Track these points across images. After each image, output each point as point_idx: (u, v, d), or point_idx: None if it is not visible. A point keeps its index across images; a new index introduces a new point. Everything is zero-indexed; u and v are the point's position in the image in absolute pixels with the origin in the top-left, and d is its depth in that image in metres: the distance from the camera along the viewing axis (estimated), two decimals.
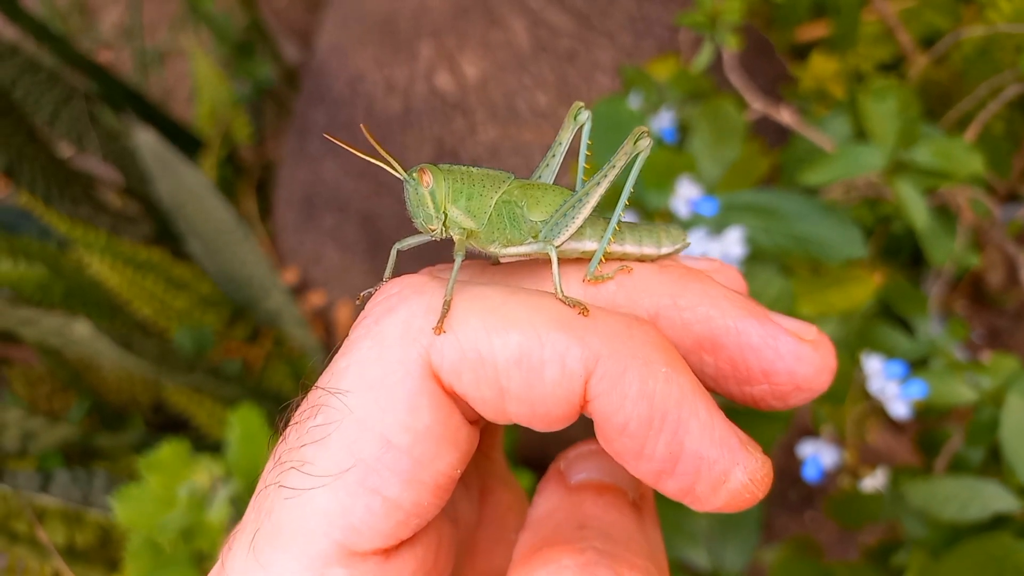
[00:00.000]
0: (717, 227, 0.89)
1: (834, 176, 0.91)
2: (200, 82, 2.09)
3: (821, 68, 1.56)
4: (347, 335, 0.34)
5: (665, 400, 0.31)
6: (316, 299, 1.87)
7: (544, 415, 0.32)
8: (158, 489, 0.84)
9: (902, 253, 1.54)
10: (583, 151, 0.44)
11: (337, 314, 1.85)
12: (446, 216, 0.38)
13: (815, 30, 1.80)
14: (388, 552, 0.32)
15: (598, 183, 0.40)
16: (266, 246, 2.01)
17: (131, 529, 0.88)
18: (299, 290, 1.89)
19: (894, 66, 1.67)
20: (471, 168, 0.40)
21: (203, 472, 0.87)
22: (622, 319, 0.33)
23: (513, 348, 0.31)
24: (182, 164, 1.39)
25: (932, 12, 1.59)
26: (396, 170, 0.38)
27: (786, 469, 1.62)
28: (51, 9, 2.50)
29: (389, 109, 1.70)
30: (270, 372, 1.64)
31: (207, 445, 1.39)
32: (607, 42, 1.62)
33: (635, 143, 0.40)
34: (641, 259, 0.41)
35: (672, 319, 0.36)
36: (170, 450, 0.87)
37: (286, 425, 0.33)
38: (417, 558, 0.33)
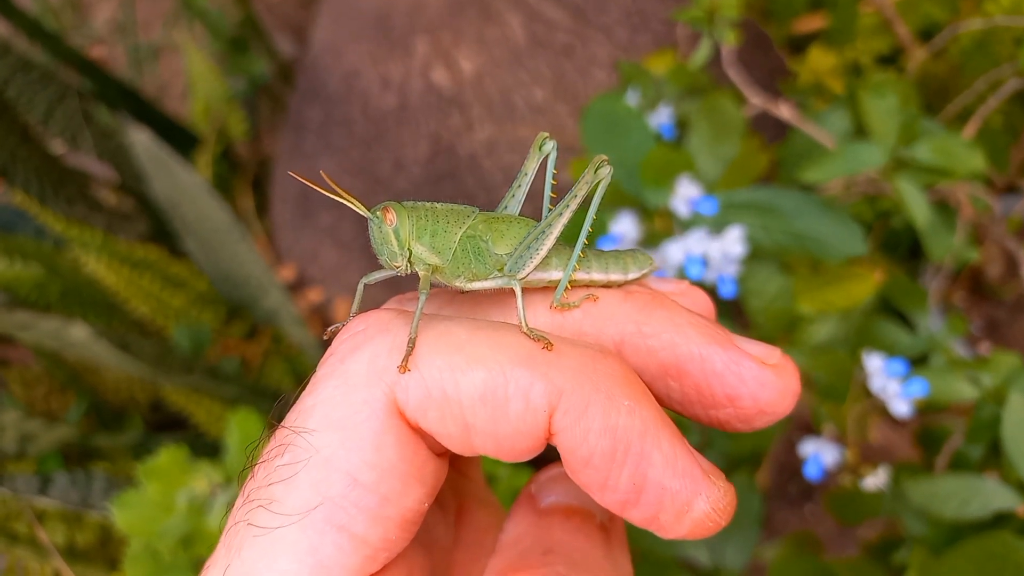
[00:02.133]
0: (717, 226, 0.88)
1: (834, 174, 0.90)
2: (194, 78, 2.08)
3: (819, 62, 1.55)
4: (313, 373, 0.35)
5: (628, 433, 0.32)
6: (314, 296, 1.87)
7: (510, 449, 0.33)
8: (157, 496, 0.84)
9: (900, 247, 1.54)
10: (548, 181, 0.45)
11: (335, 311, 1.84)
12: (411, 252, 0.39)
13: (812, 22, 1.80)
14: None
15: (560, 213, 0.40)
16: (263, 243, 2.01)
17: (130, 534, 0.88)
18: (296, 287, 1.88)
19: (892, 59, 1.67)
20: (435, 204, 0.40)
21: (202, 478, 0.86)
22: (586, 352, 0.33)
23: (478, 385, 0.32)
24: (177, 164, 1.38)
25: (930, 4, 1.59)
26: (359, 209, 0.38)
27: (786, 463, 1.63)
28: (43, 5, 2.49)
29: (385, 105, 1.70)
30: (268, 370, 1.64)
31: (206, 444, 1.38)
32: (603, 37, 1.61)
33: (595, 171, 0.40)
34: (608, 285, 0.41)
35: (637, 346, 0.37)
36: (168, 456, 0.87)
37: (254, 463, 0.34)
38: None
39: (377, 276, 0.41)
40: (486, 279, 0.40)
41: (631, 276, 0.42)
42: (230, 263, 1.47)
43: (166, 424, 1.55)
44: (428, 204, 0.40)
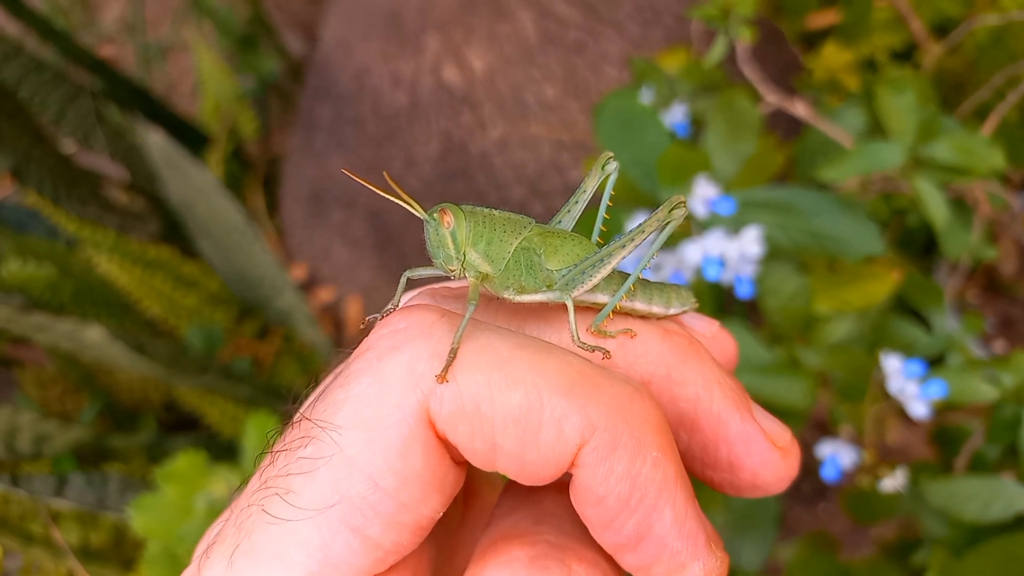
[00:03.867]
0: (734, 225, 0.88)
1: (852, 172, 0.90)
2: (204, 77, 2.08)
3: (833, 58, 1.54)
4: (346, 362, 0.34)
5: (647, 484, 0.32)
6: (325, 295, 1.87)
7: (532, 474, 0.32)
8: (175, 499, 0.84)
9: (914, 244, 1.53)
10: (604, 201, 0.44)
11: (346, 310, 1.84)
12: (465, 258, 0.38)
13: (826, 18, 1.78)
14: None
15: (623, 245, 0.39)
16: (274, 242, 2.01)
17: (148, 537, 0.88)
18: (307, 286, 1.88)
19: (906, 54, 1.66)
20: (493, 211, 0.40)
21: (220, 482, 0.86)
22: (624, 390, 0.33)
23: (513, 407, 0.31)
24: (191, 165, 1.38)
25: None
26: (416, 210, 0.37)
27: (801, 462, 1.62)
28: (52, 4, 2.49)
29: (396, 103, 1.69)
30: (280, 369, 1.64)
31: (219, 444, 1.39)
32: (615, 33, 1.60)
33: (669, 212, 0.40)
34: (646, 316, 0.41)
35: (662, 390, 0.37)
36: (186, 460, 0.87)
37: (274, 448, 0.34)
38: None
39: (422, 273, 0.40)
40: (535, 292, 0.39)
41: (671, 311, 0.41)
42: (244, 263, 1.47)
43: (180, 424, 1.55)
44: (486, 210, 0.39)
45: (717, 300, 0.92)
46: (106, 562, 1.24)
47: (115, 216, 1.62)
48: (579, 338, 0.36)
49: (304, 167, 1.92)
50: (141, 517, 0.86)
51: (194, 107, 2.39)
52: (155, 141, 1.37)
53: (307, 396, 0.42)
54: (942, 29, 1.60)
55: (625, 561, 0.34)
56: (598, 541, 0.34)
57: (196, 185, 1.40)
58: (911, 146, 0.90)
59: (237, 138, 2.09)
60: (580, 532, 0.35)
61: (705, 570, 0.33)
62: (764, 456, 0.37)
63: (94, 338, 1.03)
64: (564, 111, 1.60)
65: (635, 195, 0.94)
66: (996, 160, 0.87)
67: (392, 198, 0.37)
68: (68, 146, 1.79)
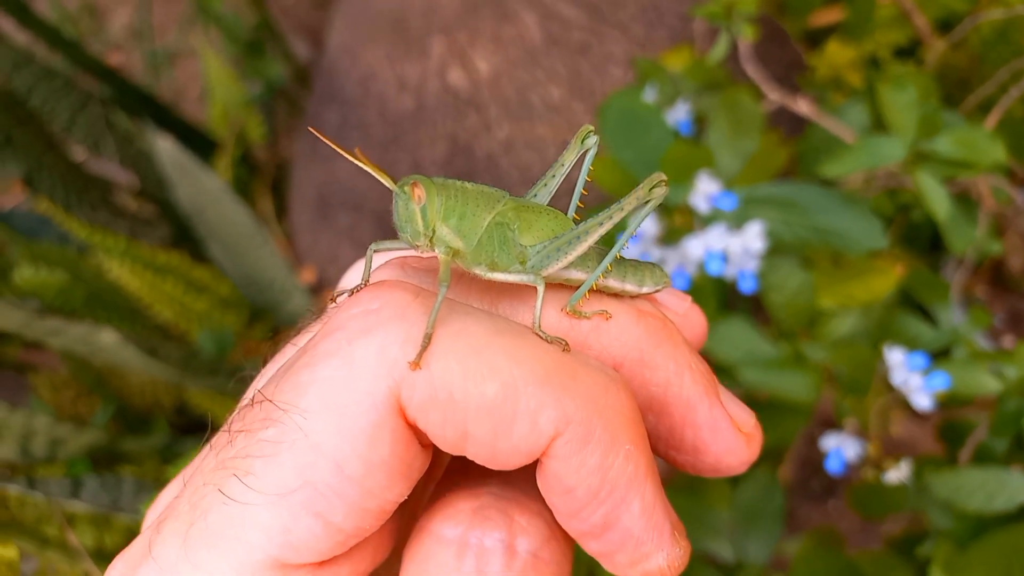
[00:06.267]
0: (737, 221, 0.88)
1: (854, 168, 0.90)
2: (212, 82, 2.10)
3: (837, 56, 1.54)
4: (312, 338, 0.33)
5: (618, 477, 0.32)
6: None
7: (502, 461, 0.32)
8: None
9: (921, 240, 1.53)
10: (582, 176, 0.43)
11: None
12: (434, 233, 0.37)
13: (829, 15, 1.79)
14: (322, 564, 0.32)
15: (601, 223, 0.38)
16: (283, 246, 2.02)
17: None
18: (317, 289, 1.90)
19: (910, 51, 1.66)
20: (466, 184, 0.38)
21: None
22: (599, 381, 0.33)
23: (488, 397, 0.30)
24: (201, 170, 1.40)
25: None
26: (385, 181, 0.36)
27: (808, 458, 1.62)
28: (61, 13, 2.52)
29: (402, 107, 1.70)
30: None
31: None
32: (619, 34, 1.61)
33: (651, 190, 0.39)
34: (619, 294, 0.40)
35: (633, 374, 0.37)
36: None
37: (232, 427, 0.32)
38: (352, 563, 0.33)
39: (388, 246, 0.39)
40: (507, 271, 0.38)
41: (644, 290, 0.41)
42: (254, 267, 1.48)
43: (191, 427, 1.57)
44: (459, 183, 0.38)
45: (721, 296, 0.93)
46: None
47: (125, 222, 1.64)
48: (540, 327, 0.35)
49: (311, 171, 1.93)
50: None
51: (202, 113, 2.41)
52: (164, 147, 1.39)
53: (265, 363, 0.41)
54: (947, 25, 1.60)
55: (589, 547, 0.34)
56: (563, 526, 0.34)
57: (206, 190, 1.41)
58: (913, 141, 0.90)
59: (245, 143, 2.11)
60: (526, 485, 0.35)
61: (668, 559, 0.33)
62: (729, 442, 0.38)
63: (108, 341, 1.04)
64: (569, 112, 1.61)
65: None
66: (998, 154, 0.87)
67: (361, 162, 0.36)
68: (78, 153, 1.81)
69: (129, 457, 1.36)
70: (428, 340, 0.31)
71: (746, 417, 0.39)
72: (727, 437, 0.38)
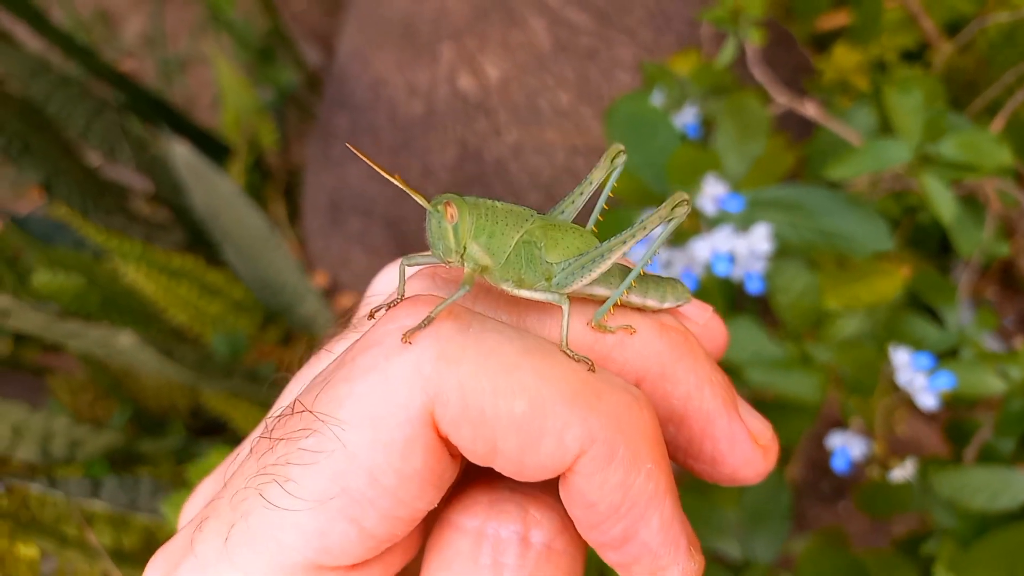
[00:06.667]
0: (744, 223, 0.90)
1: (859, 170, 0.91)
2: (224, 89, 2.12)
3: (844, 60, 1.55)
4: (352, 351, 0.34)
5: (639, 494, 0.33)
6: (346, 302, 1.90)
7: (528, 475, 0.33)
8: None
9: (929, 242, 1.53)
10: (604, 193, 0.44)
11: None
12: (465, 250, 0.38)
13: (836, 19, 1.79)
14: (354, 566, 0.34)
15: (624, 241, 0.39)
16: (296, 250, 2.04)
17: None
18: (329, 293, 1.91)
19: (918, 54, 1.66)
20: (496, 203, 0.39)
21: None
22: (623, 399, 0.34)
23: (517, 415, 0.32)
24: (215, 174, 1.42)
25: None
26: (419, 199, 0.37)
27: (817, 460, 1.63)
28: (75, 20, 2.55)
29: (412, 112, 1.72)
30: None
31: None
32: (627, 39, 1.63)
33: (672, 209, 0.40)
34: (641, 309, 0.41)
35: (655, 388, 0.38)
36: (219, 456, 0.90)
37: (273, 434, 0.34)
38: (383, 565, 0.35)
39: (420, 260, 0.40)
40: (533, 288, 0.39)
41: (665, 306, 0.42)
42: (267, 270, 1.50)
43: (206, 429, 1.59)
44: (489, 202, 0.39)
45: (729, 297, 0.94)
46: (138, 564, 1.27)
47: (140, 227, 1.66)
48: (567, 344, 0.36)
49: (322, 176, 1.95)
50: (175, 514, 0.88)
51: (214, 119, 2.43)
52: (180, 151, 1.41)
53: (299, 367, 0.43)
54: (954, 28, 1.60)
55: (608, 557, 0.35)
56: (583, 537, 0.35)
57: (220, 194, 1.43)
58: (918, 143, 0.91)
59: (257, 149, 2.13)
60: (542, 483, 0.36)
61: (683, 573, 0.35)
62: (747, 454, 0.39)
63: (125, 344, 1.06)
64: (578, 117, 1.63)
65: (646, 195, 0.96)
66: (1003, 156, 0.88)
67: (398, 182, 0.36)
68: (94, 159, 1.83)
69: (146, 458, 1.38)
70: (429, 322, 0.33)
71: (763, 429, 0.40)
72: (745, 449, 0.39)
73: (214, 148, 2.03)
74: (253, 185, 2.07)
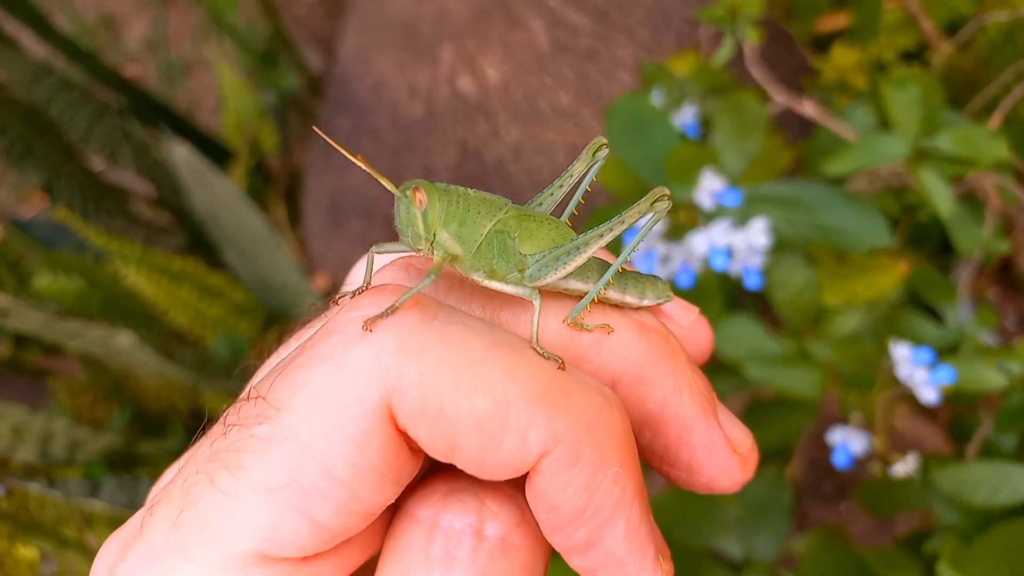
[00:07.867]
0: (741, 218, 0.90)
1: (856, 166, 0.91)
2: (226, 92, 2.12)
3: (843, 59, 1.55)
4: (312, 338, 0.33)
5: (605, 498, 0.32)
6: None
7: (489, 473, 0.32)
8: None
9: (930, 241, 1.53)
10: (583, 186, 0.43)
11: None
12: (435, 237, 0.36)
13: (836, 20, 1.80)
14: (306, 559, 0.32)
15: (601, 235, 0.38)
16: (297, 252, 2.05)
17: None
18: (330, 295, 1.92)
19: (917, 54, 1.67)
20: (468, 190, 0.38)
21: None
22: (594, 401, 0.33)
23: (478, 413, 0.30)
24: (216, 176, 1.42)
25: None
26: (387, 184, 0.36)
27: (819, 460, 1.62)
28: (78, 25, 2.56)
29: (413, 113, 1.73)
30: None
31: None
32: (626, 39, 1.63)
33: (652, 203, 0.39)
34: (619, 305, 0.40)
35: (631, 390, 0.37)
36: None
37: (227, 420, 0.33)
38: (339, 558, 0.34)
39: (389, 249, 0.39)
40: (504, 279, 0.37)
41: (644, 303, 0.40)
42: (267, 271, 1.50)
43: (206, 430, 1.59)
44: (461, 189, 0.38)
45: (728, 293, 0.94)
46: None
47: (141, 229, 1.67)
48: (538, 342, 0.35)
49: (323, 179, 1.96)
50: None
51: (216, 123, 2.44)
52: (181, 153, 1.41)
53: (269, 355, 0.41)
54: (953, 28, 1.61)
55: (572, 561, 0.34)
56: (547, 539, 0.34)
57: (221, 195, 1.44)
58: (914, 138, 0.91)
59: (259, 152, 2.14)
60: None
61: None
62: (724, 463, 0.38)
63: (124, 344, 1.06)
64: (578, 117, 1.63)
65: (643, 193, 0.96)
66: (999, 150, 0.88)
67: (362, 164, 0.36)
68: (96, 163, 1.84)
69: (145, 460, 1.38)
70: (392, 311, 0.32)
71: (742, 437, 0.39)
72: (722, 458, 0.38)
73: (216, 151, 2.04)
74: (254, 188, 2.08)
